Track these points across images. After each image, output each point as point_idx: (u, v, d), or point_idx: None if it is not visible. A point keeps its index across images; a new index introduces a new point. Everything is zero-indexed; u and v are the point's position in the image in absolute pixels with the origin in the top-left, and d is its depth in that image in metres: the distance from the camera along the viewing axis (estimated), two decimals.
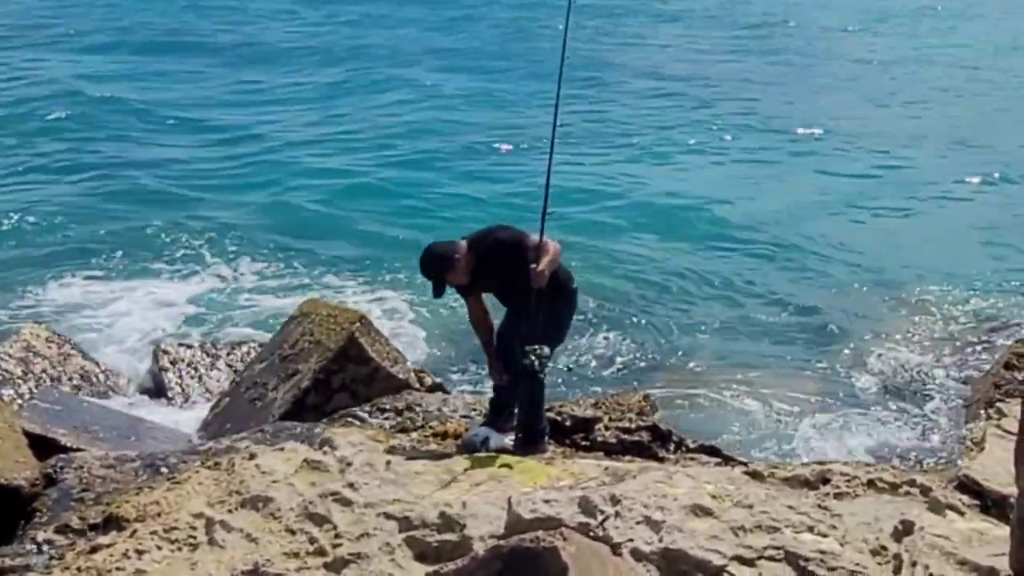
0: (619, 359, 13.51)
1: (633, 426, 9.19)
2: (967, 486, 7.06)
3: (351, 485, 7.05)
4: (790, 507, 6.48)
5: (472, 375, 12.42)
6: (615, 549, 5.99)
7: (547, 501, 6.44)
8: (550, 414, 8.85)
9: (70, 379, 11.86)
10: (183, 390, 12.10)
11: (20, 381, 11.40)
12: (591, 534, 6.04)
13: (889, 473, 7.34)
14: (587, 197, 19.72)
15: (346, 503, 6.86)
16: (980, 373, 12.42)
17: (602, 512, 6.34)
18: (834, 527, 6.31)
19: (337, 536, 6.57)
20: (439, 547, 6.38)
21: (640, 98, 27.98)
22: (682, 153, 23.38)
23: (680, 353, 13.65)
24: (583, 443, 9.03)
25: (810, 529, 6.26)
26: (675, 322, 14.69)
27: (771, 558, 6.02)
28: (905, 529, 6.29)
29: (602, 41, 34.06)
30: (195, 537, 6.71)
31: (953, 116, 26.13)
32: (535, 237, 8.12)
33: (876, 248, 17.70)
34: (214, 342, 13.17)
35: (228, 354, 12.65)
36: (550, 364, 8.09)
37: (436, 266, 8.16)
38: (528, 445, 8.20)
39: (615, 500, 6.42)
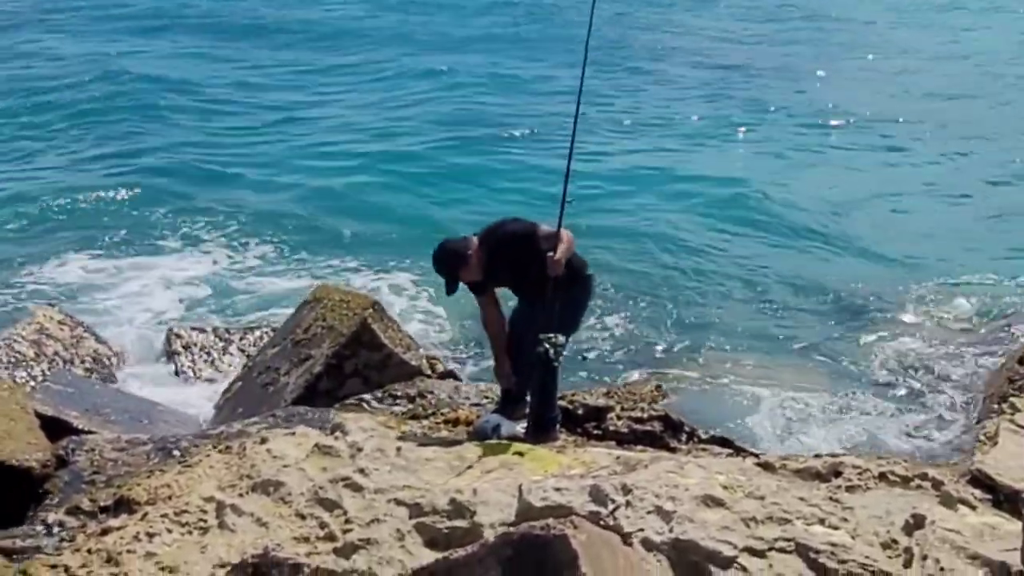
0: (632, 348, 13.46)
1: (645, 416, 9.21)
2: (979, 480, 7.02)
3: (362, 471, 7.06)
4: (801, 499, 6.46)
5: (484, 363, 12.35)
6: (625, 538, 5.98)
7: (558, 489, 6.43)
8: (562, 402, 8.85)
9: (82, 362, 11.88)
10: (195, 374, 12.12)
11: (33, 363, 11.43)
12: (601, 523, 6.02)
13: (901, 466, 7.31)
14: (607, 183, 19.66)
15: (357, 489, 6.87)
16: (994, 368, 12.36)
17: (613, 501, 6.32)
18: (845, 520, 6.29)
19: (347, 521, 6.58)
20: (449, 534, 6.38)
21: (669, 84, 27.86)
22: (703, 140, 23.22)
23: (693, 342, 13.59)
24: (595, 432, 9.05)
25: (821, 521, 6.23)
26: (689, 310, 14.64)
27: (782, 550, 5.99)
28: (916, 523, 6.27)
29: (632, 27, 33.90)
30: (206, 520, 6.73)
31: (985, 110, 25.94)
32: (545, 226, 8.14)
33: (893, 239, 17.57)
34: (227, 326, 13.19)
35: (240, 338, 12.67)
36: (565, 353, 8.08)
37: (449, 263, 8.16)
38: (540, 433, 8.20)
39: (626, 489, 6.40)
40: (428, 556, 6.02)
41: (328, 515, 6.66)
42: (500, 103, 25.66)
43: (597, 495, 6.37)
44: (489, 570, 5.00)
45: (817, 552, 5.95)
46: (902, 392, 12.36)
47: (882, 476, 7.10)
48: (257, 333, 12.77)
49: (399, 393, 9.86)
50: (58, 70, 27.74)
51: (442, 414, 9.23)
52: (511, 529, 5.24)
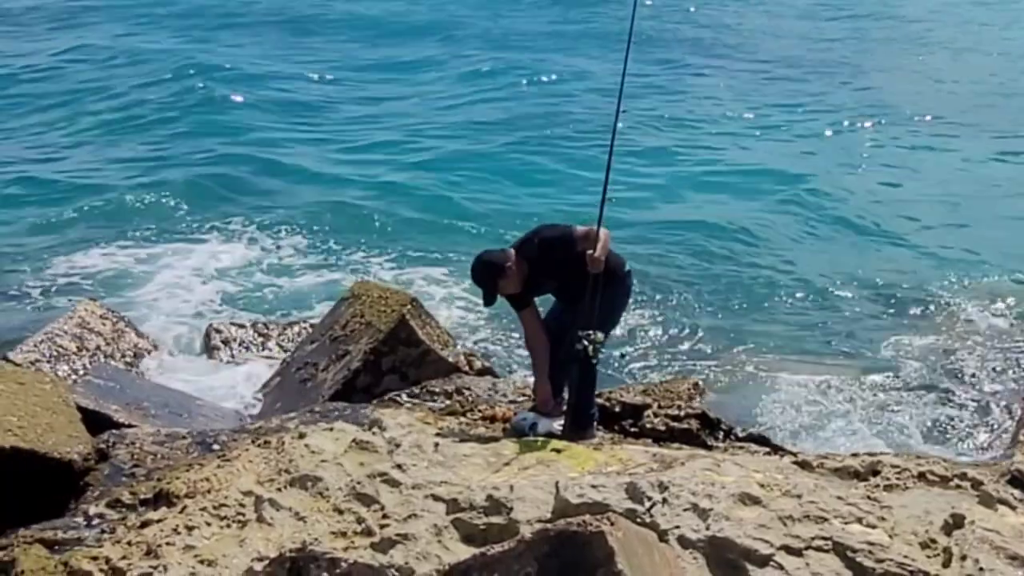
0: (669, 345, 13.45)
1: (682, 413, 9.18)
2: (1019, 480, 7.00)
3: (399, 466, 7.08)
4: (839, 498, 6.45)
5: (522, 360, 12.40)
6: (662, 536, 5.99)
7: (594, 486, 6.45)
8: (599, 400, 8.84)
9: (123, 356, 11.97)
10: (234, 369, 12.17)
11: (75, 357, 11.52)
12: (638, 520, 6.04)
13: (940, 466, 7.30)
14: (646, 180, 19.66)
15: (394, 484, 6.89)
16: None
17: (649, 499, 6.34)
18: (883, 519, 6.28)
19: (384, 517, 6.60)
20: (486, 530, 6.40)
21: (711, 79, 27.84)
22: (738, 136, 23.18)
23: (731, 340, 13.57)
24: (632, 430, 9.03)
25: (859, 520, 6.22)
26: (727, 308, 14.63)
27: (819, 548, 6.00)
28: (955, 522, 6.26)
29: (674, 23, 33.88)
30: (244, 514, 6.77)
31: None
32: (580, 227, 8.17)
33: (931, 237, 17.51)
34: (265, 322, 13.25)
35: (279, 334, 12.73)
36: (603, 350, 8.09)
37: (488, 274, 8.14)
38: (577, 430, 8.20)
39: (663, 487, 6.41)
40: (465, 552, 6.04)
41: (366, 510, 6.68)
42: (542, 101, 25.67)
43: (634, 492, 6.38)
44: (526, 566, 5.01)
45: (855, 551, 5.95)
46: (940, 392, 12.30)
47: (921, 475, 7.10)
48: (296, 328, 12.82)
49: (436, 389, 9.87)
50: (122, 65, 28.00)
51: (479, 411, 9.23)
52: (548, 525, 5.25)
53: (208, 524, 6.70)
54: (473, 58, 29.50)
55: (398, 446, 7.42)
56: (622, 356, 12.38)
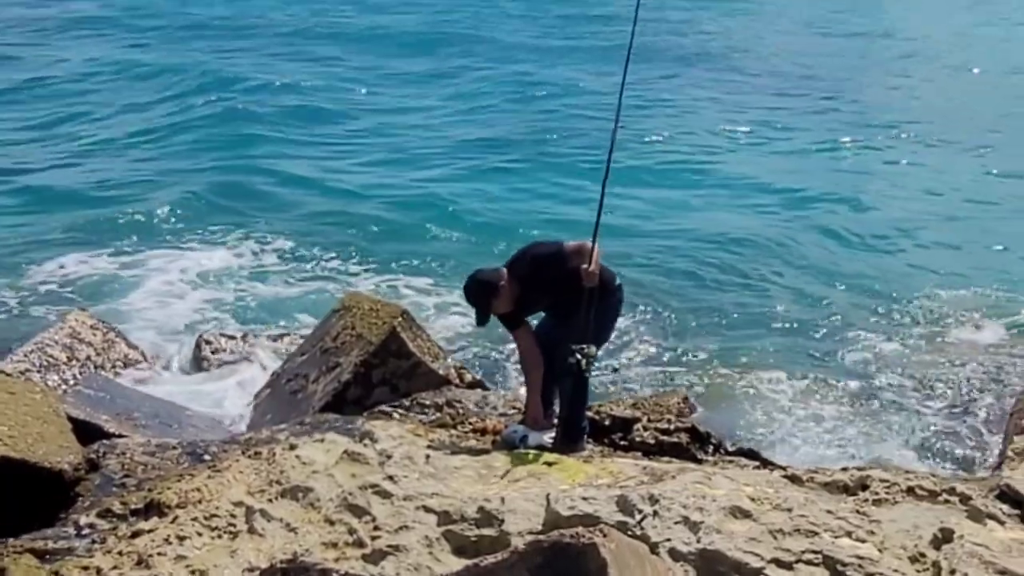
0: (659, 359, 13.46)
1: (672, 427, 9.21)
2: (1008, 495, 7.02)
3: (391, 478, 7.09)
4: (829, 512, 6.47)
5: (512, 373, 12.43)
6: (653, 548, 6.01)
7: (585, 499, 6.47)
8: (589, 413, 8.87)
9: (113, 366, 11.97)
10: (224, 380, 12.16)
11: (65, 367, 11.51)
12: (629, 533, 6.05)
13: (929, 480, 7.33)
14: (639, 195, 19.71)
15: (385, 495, 6.90)
16: (1020, 385, 12.34)
17: (640, 511, 6.36)
18: (872, 533, 6.30)
19: (376, 528, 6.61)
20: (477, 541, 6.41)
21: (719, 93, 28.05)
22: (734, 150, 23.33)
23: (719, 353, 13.59)
24: (621, 443, 9.06)
25: (848, 534, 6.25)
26: (716, 321, 14.64)
27: (809, 562, 6.01)
28: (944, 537, 6.28)
29: (685, 35, 34.14)
30: (235, 525, 6.77)
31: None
32: (570, 243, 8.22)
33: (923, 251, 17.63)
34: (256, 333, 13.25)
35: (269, 345, 12.74)
36: (596, 364, 8.11)
37: (481, 293, 8.16)
38: (568, 443, 8.22)
39: (653, 500, 6.43)
40: (456, 563, 6.05)
41: (357, 521, 6.69)
42: (539, 114, 25.86)
43: (624, 505, 6.40)
44: None
45: (844, 565, 5.97)
46: (928, 407, 12.35)
47: (910, 490, 7.12)
48: (286, 340, 12.84)
49: (427, 402, 9.89)
50: (134, 77, 28.14)
51: (470, 423, 9.26)
52: (541, 537, 5.26)
53: (199, 534, 6.70)
54: (473, 72, 29.72)
55: (389, 457, 7.43)
56: (611, 370, 12.40)
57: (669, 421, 9.35)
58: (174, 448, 8.67)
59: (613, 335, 9.32)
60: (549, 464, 7.60)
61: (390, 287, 15.44)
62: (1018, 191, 20.92)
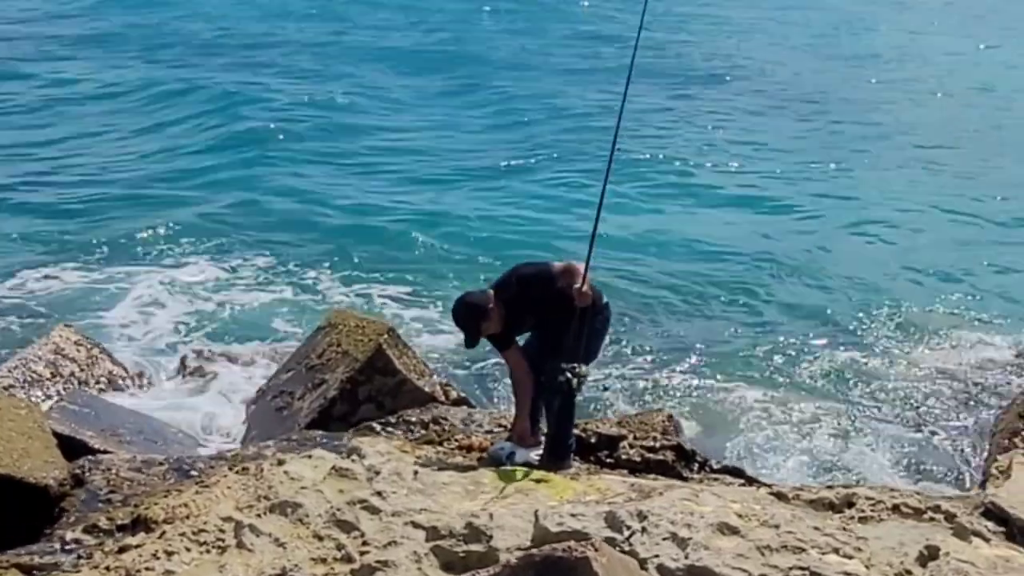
0: (642, 377, 13.51)
1: (657, 445, 9.21)
2: (993, 513, 7.07)
3: (379, 493, 7.10)
4: (816, 528, 6.51)
5: (498, 390, 12.46)
6: (642, 564, 6.03)
7: (574, 515, 6.49)
8: (576, 431, 8.87)
9: (97, 382, 11.92)
10: (209, 396, 12.14)
11: (49, 383, 11.48)
12: (617, 549, 6.07)
13: (914, 498, 7.36)
14: (624, 215, 19.75)
15: (374, 511, 6.92)
16: (1005, 402, 12.41)
17: (628, 527, 6.38)
18: (859, 550, 6.33)
19: (364, 543, 6.62)
20: (466, 557, 6.43)
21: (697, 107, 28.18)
22: (721, 168, 23.41)
23: (704, 372, 13.66)
24: (607, 460, 9.06)
25: (836, 551, 6.28)
26: (701, 341, 14.70)
27: None
28: (930, 554, 6.32)
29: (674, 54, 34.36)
30: (223, 540, 6.76)
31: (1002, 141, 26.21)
32: (557, 264, 8.30)
33: (906, 276, 17.71)
34: (240, 349, 13.24)
35: (254, 362, 12.72)
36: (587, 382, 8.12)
37: (470, 316, 8.13)
38: (555, 460, 8.24)
39: (642, 516, 6.46)
40: None
41: (345, 537, 6.70)
42: (537, 129, 25.97)
43: (613, 521, 6.43)
44: None
45: None
46: (913, 427, 12.44)
47: (895, 508, 7.15)
48: (271, 357, 12.82)
49: (413, 419, 9.87)
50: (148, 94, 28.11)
51: (456, 440, 9.26)
52: (534, 551, 5.29)
53: (188, 549, 6.69)
54: (473, 88, 29.78)
55: (377, 473, 7.44)
56: (601, 388, 12.44)
57: (655, 439, 9.34)
58: (160, 464, 8.67)
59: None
60: (537, 481, 7.62)
61: (375, 304, 15.42)
62: (1000, 208, 21.10)
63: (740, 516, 6.58)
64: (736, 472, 9.19)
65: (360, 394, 10.49)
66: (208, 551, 6.71)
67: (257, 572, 6.39)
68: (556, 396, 8.05)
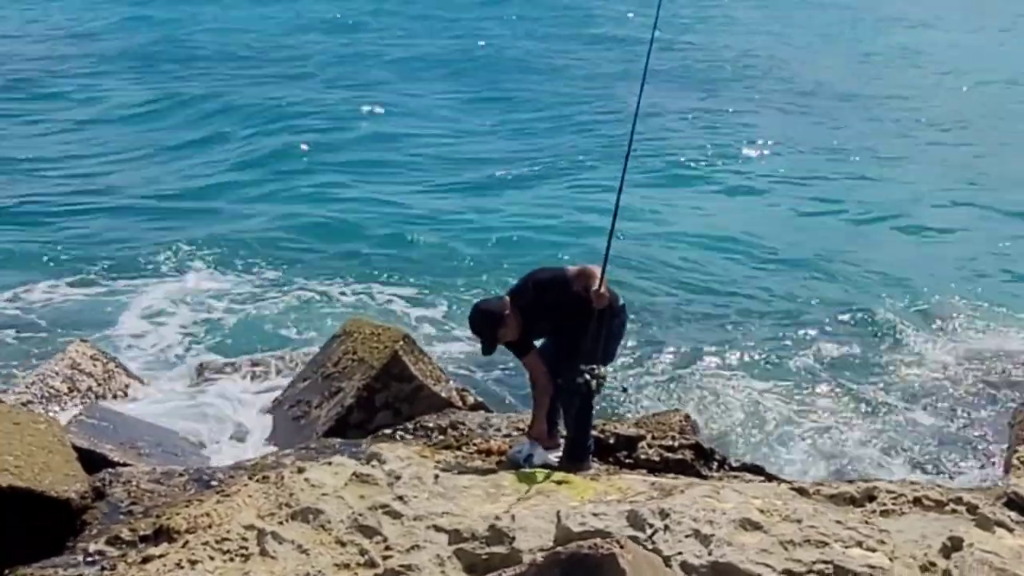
0: (657, 376, 13.51)
1: (676, 444, 9.21)
2: (1015, 503, 7.07)
3: (400, 498, 7.12)
4: (838, 522, 6.50)
5: (514, 394, 12.45)
6: (665, 562, 6.03)
7: (596, 514, 6.50)
8: (594, 432, 8.87)
9: (115, 396, 11.97)
10: (225, 407, 12.15)
11: (66, 398, 11.53)
12: (640, 547, 6.07)
13: (935, 491, 7.36)
14: (637, 213, 19.76)
15: (396, 515, 6.93)
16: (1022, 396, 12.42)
17: (651, 526, 6.38)
18: (883, 543, 6.33)
19: (387, 548, 6.63)
20: (489, 559, 6.43)
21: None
22: (725, 180, 23.37)
23: (720, 370, 13.68)
24: (626, 461, 9.06)
25: (859, 544, 6.27)
26: (714, 337, 14.72)
27: (821, 572, 6.04)
28: (954, 545, 6.31)
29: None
30: (247, 548, 6.77)
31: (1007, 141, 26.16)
32: (571, 268, 8.32)
33: (922, 269, 17.72)
34: (256, 359, 13.25)
35: (269, 371, 12.74)
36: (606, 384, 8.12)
37: (486, 324, 8.14)
38: (575, 462, 8.24)
39: (664, 514, 6.46)
40: None
41: (368, 542, 6.71)
42: (547, 137, 25.98)
43: (635, 520, 6.43)
44: None
45: (856, 574, 6.00)
46: (933, 420, 12.43)
47: (916, 500, 7.15)
48: (288, 366, 12.82)
49: (430, 424, 9.88)
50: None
51: (474, 444, 9.25)
52: (559, 549, 5.29)
53: (211, 558, 6.71)
54: (493, 93, 29.94)
55: (398, 478, 7.44)
56: (621, 388, 12.43)
57: (673, 438, 9.35)
58: (180, 475, 8.68)
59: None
60: (558, 482, 7.63)
61: (390, 311, 15.42)
62: (1018, 200, 21.05)
63: (762, 512, 6.58)
64: (756, 469, 9.18)
65: (377, 401, 10.52)
66: (232, 559, 6.72)
67: None
68: (575, 398, 8.06)
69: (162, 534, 7.30)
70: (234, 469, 8.85)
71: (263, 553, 6.69)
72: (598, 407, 9.49)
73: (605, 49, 36.01)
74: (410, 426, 9.95)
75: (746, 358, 14.05)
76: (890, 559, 6.17)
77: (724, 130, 26.41)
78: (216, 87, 29.68)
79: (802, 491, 7.46)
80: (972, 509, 6.96)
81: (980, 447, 11.76)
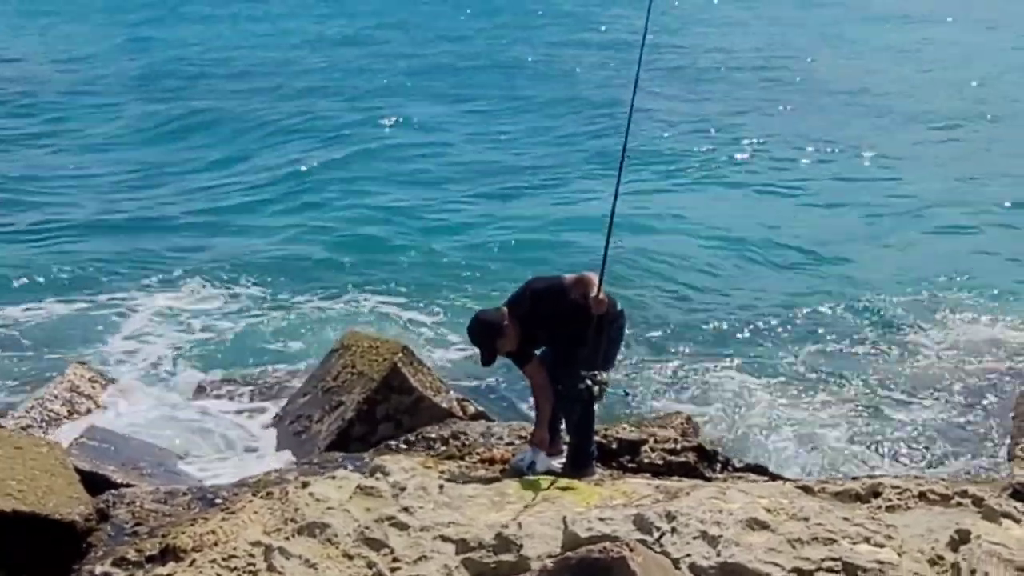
0: (656, 379, 13.50)
1: (679, 447, 9.21)
2: (1021, 494, 7.08)
3: (406, 509, 7.11)
4: (845, 519, 6.51)
5: (514, 402, 12.44)
6: (674, 564, 6.04)
7: (602, 519, 6.50)
8: (596, 438, 8.87)
9: (115, 417, 11.92)
10: (225, 425, 12.13)
11: (66, 421, 11.50)
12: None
13: (940, 485, 7.38)
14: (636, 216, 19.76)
15: (402, 527, 6.93)
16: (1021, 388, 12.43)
17: (658, 529, 6.39)
18: (890, 538, 6.34)
19: (395, 560, 6.63)
20: (497, 567, 6.44)
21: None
22: (720, 177, 23.37)
23: (718, 370, 13.65)
24: (630, 465, 9.06)
25: (866, 540, 6.28)
26: (716, 340, 14.70)
27: (829, 570, 6.05)
28: (961, 538, 6.32)
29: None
30: (254, 564, 6.76)
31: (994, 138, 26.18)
32: (569, 276, 8.30)
33: (920, 262, 17.75)
34: (255, 376, 13.24)
35: (270, 388, 12.73)
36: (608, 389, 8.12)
37: (486, 335, 8.14)
38: (578, 468, 8.24)
39: (670, 516, 6.46)
40: None
41: (375, 554, 6.71)
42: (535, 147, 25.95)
43: (642, 523, 6.43)
44: None
45: (865, 570, 6.01)
46: (933, 412, 12.43)
47: (922, 495, 7.17)
48: (287, 382, 12.81)
49: (432, 435, 9.86)
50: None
51: (477, 454, 9.26)
52: (569, 554, 5.29)
53: (219, 575, 6.70)
54: (477, 100, 29.89)
55: (403, 490, 7.44)
56: (626, 394, 12.40)
57: (675, 441, 9.35)
58: (184, 494, 8.67)
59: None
60: (563, 489, 7.64)
61: (388, 323, 15.38)
62: (1018, 193, 21.12)
63: (769, 511, 6.58)
64: (759, 469, 9.20)
65: (378, 413, 10.52)
66: None
67: None
68: (576, 404, 8.06)
69: (168, 554, 7.29)
70: (238, 486, 8.84)
71: (270, 569, 6.68)
72: (600, 412, 9.50)
73: (602, 51, 36.03)
74: (412, 438, 9.95)
75: (745, 357, 14.04)
76: (898, 554, 6.18)
77: (717, 130, 26.40)
78: (211, 104, 29.70)
79: (807, 489, 7.46)
80: (978, 501, 6.98)
81: (983, 439, 11.76)
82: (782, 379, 13.39)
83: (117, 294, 16.70)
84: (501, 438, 9.73)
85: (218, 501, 8.40)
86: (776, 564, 6.05)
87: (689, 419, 10.86)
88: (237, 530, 7.26)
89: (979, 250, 18.32)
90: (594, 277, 8.02)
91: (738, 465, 9.22)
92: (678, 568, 6.01)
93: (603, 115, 27.42)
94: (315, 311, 16.08)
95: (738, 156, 24.17)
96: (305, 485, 7.76)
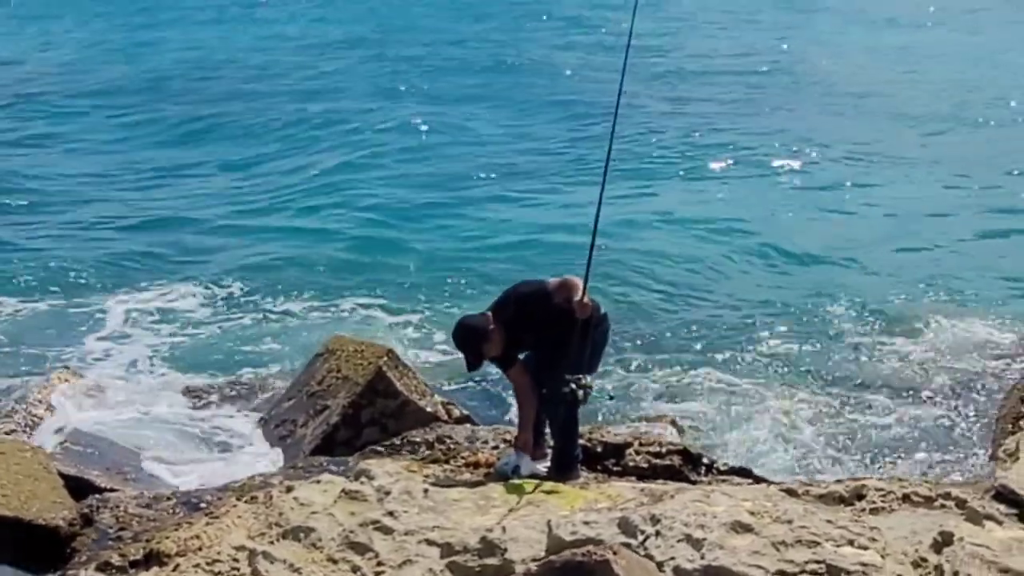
0: (640, 383, 13.49)
1: (663, 450, 9.21)
2: (1004, 496, 7.09)
3: (391, 513, 7.11)
4: (829, 522, 6.53)
5: (499, 405, 12.44)
6: (658, 567, 6.05)
7: (587, 523, 6.51)
8: (581, 441, 8.87)
9: (99, 422, 11.90)
10: (210, 429, 12.11)
11: (50, 426, 11.45)
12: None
13: (924, 487, 7.39)
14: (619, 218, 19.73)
15: (387, 531, 6.93)
16: (1006, 388, 12.44)
17: (642, 532, 6.40)
18: (874, 540, 6.36)
19: (379, 564, 6.64)
20: (481, 571, 6.45)
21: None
22: (704, 178, 23.38)
23: (702, 374, 13.64)
24: (614, 468, 9.06)
25: (850, 543, 6.30)
26: (701, 343, 14.68)
27: (813, 572, 6.07)
28: (944, 540, 6.34)
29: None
30: (238, 569, 6.77)
31: (978, 142, 26.26)
32: (552, 280, 8.30)
33: (901, 265, 17.77)
34: (241, 380, 13.22)
35: (255, 392, 12.71)
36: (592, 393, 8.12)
37: (470, 340, 8.14)
38: (563, 471, 8.23)
39: (655, 520, 6.47)
40: None
41: (360, 558, 6.71)
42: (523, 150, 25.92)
43: (626, 526, 6.44)
44: None
45: (849, 573, 6.04)
46: (916, 415, 12.46)
47: (905, 497, 7.18)
48: (272, 386, 12.79)
49: (417, 439, 9.85)
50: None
51: (462, 458, 9.24)
52: (553, 557, 5.30)
53: None
54: (461, 107, 29.87)
55: (388, 494, 7.44)
56: (610, 397, 12.43)
57: (660, 444, 9.35)
58: (168, 499, 8.67)
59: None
60: (547, 492, 7.64)
61: (372, 327, 15.36)
62: (1000, 195, 21.22)
63: (753, 514, 6.60)
64: (744, 472, 9.19)
65: (363, 418, 10.52)
66: None
67: None
68: (561, 408, 8.06)
69: (152, 558, 7.29)
70: (222, 491, 8.83)
71: (255, 573, 6.68)
72: (584, 415, 9.51)
73: (603, 51, 36.02)
74: (397, 442, 9.93)
75: (729, 359, 14.04)
76: (882, 556, 6.20)
77: (703, 133, 26.35)
78: (205, 108, 29.57)
79: (791, 492, 7.47)
80: (961, 504, 6.99)
81: (966, 441, 11.80)
82: (766, 381, 13.40)
83: (100, 296, 16.67)
84: (486, 442, 9.72)
85: (202, 505, 8.40)
86: (760, 567, 6.06)
87: (674, 422, 10.89)
88: (221, 534, 7.26)
89: (964, 252, 18.35)
90: (578, 281, 8.03)
91: (723, 468, 9.21)
92: (662, 571, 6.02)
93: (595, 117, 27.42)
94: (301, 315, 16.06)
95: (724, 158, 24.13)
96: (290, 489, 7.76)
